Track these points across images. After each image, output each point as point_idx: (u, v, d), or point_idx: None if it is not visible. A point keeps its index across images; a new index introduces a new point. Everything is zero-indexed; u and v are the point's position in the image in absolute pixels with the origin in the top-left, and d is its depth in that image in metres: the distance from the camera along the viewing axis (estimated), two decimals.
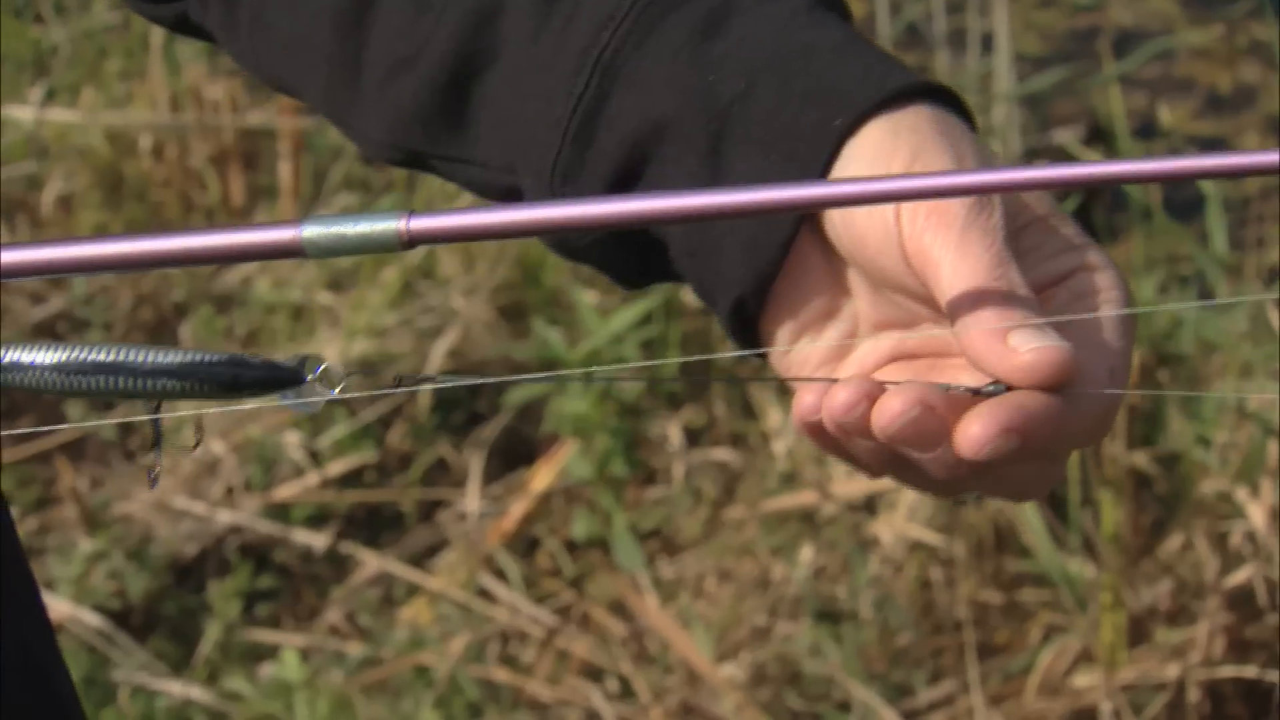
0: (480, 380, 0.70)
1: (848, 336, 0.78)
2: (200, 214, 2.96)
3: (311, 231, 0.63)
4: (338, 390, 0.69)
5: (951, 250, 0.71)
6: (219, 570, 2.45)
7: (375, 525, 2.52)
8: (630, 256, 0.81)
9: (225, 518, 2.49)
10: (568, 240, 0.80)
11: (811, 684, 2.25)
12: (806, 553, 2.33)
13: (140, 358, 0.69)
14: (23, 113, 3.05)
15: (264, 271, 2.82)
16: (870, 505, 2.36)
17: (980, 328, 0.70)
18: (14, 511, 2.51)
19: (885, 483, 2.34)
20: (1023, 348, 0.69)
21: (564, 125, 0.78)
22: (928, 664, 2.27)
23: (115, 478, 2.58)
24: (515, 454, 2.56)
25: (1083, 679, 2.20)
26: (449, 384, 0.69)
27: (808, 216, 0.75)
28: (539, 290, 2.67)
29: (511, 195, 0.82)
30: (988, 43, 2.98)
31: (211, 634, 2.35)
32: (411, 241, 0.63)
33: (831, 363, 0.78)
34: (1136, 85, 3.20)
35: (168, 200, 2.96)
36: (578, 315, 2.57)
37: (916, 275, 0.73)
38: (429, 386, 0.74)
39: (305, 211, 2.93)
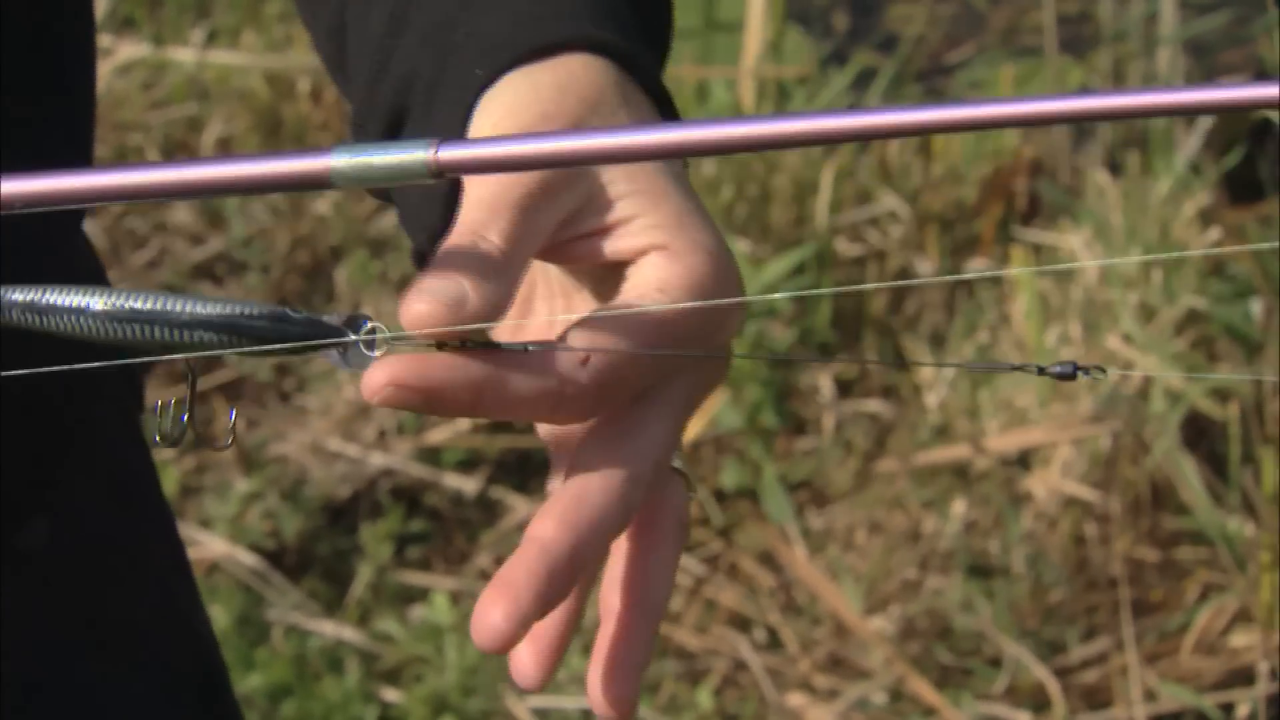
0: (561, 348, 0.66)
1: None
2: None
3: (340, 160, 0.60)
4: (380, 351, 0.66)
5: (476, 184, 0.68)
6: (371, 512, 2.48)
7: (526, 470, 2.53)
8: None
9: (378, 460, 2.51)
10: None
11: (962, 639, 2.23)
12: (958, 506, 2.31)
13: (181, 308, 0.66)
14: (185, 55, 3.09)
15: None
16: (1024, 460, 2.33)
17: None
18: (171, 451, 2.55)
19: (1040, 437, 2.31)
20: (412, 296, 0.65)
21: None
22: (1081, 621, 2.24)
23: (271, 419, 2.61)
24: None
25: (1240, 638, 2.16)
26: (513, 347, 0.66)
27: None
28: None
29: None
30: None
31: (363, 575, 2.38)
32: (440, 171, 0.61)
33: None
34: None
35: (325, 143, 2.98)
36: None
37: None
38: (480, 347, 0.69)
39: None
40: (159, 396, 0.72)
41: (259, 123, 2.99)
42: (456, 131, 0.73)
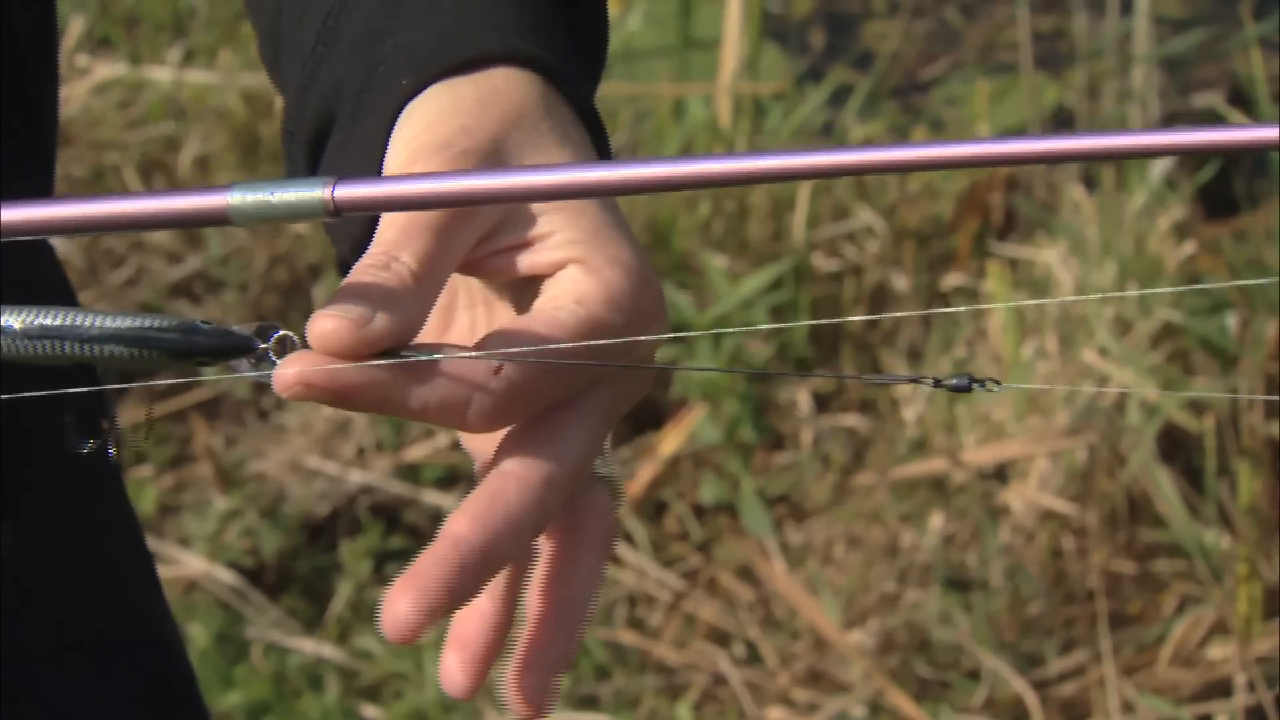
0: (468, 355, 0.66)
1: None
2: None
3: (239, 198, 0.61)
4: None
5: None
6: (350, 530, 2.48)
7: None
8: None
9: (357, 478, 2.51)
10: None
11: (940, 652, 2.23)
12: (936, 520, 2.31)
13: (89, 322, 0.65)
14: (161, 74, 3.09)
15: None
16: (1001, 474, 2.34)
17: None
18: (150, 469, 2.55)
19: (1017, 451, 2.32)
20: (320, 313, 0.65)
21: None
22: (1059, 633, 2.25)
23: (250, 436, 2.61)
24: (643, 417, 2.56)
25: (1217, 650, 2.17)
26: (423, 359, 0.66)
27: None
28: (668, 254, 2.67)
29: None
30: (1127, 4, 2.94)
31: (343, 593, 2.38)
32: (337, 210, 0.61)
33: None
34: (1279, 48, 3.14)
35: None
36: (707, 279, 2.57)
37: None
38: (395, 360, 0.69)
39: None
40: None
41: (236, 142, 2.99)
42: (379, 141, 0.73)
